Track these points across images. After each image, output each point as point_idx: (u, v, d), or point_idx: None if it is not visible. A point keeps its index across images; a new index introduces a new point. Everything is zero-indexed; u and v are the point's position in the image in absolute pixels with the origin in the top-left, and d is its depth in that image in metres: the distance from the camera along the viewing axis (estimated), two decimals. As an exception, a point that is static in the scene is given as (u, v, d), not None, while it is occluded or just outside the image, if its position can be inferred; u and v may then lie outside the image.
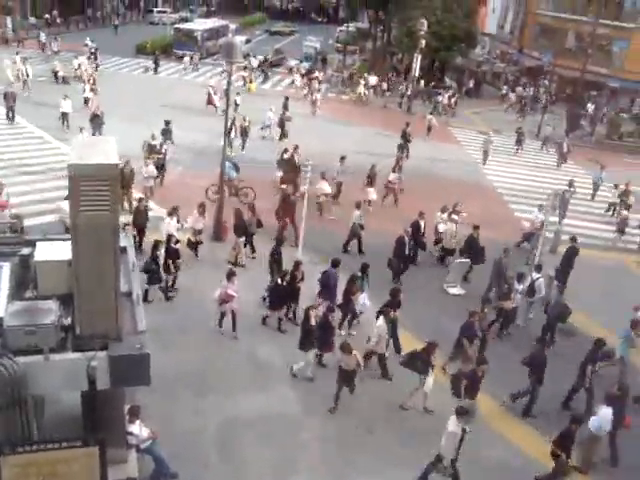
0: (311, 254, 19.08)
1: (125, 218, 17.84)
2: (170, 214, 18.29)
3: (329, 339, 14.09)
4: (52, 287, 8.14)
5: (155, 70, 47.84)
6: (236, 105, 34.25)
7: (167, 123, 27.66)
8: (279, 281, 16.08)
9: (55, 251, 8.34)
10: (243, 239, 19.16)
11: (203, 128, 31.64)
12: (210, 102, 37.44)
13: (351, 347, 12.99)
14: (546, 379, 13.87)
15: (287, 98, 36.63)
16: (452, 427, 11.03)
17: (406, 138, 31.66)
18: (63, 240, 8.49)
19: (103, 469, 7.81)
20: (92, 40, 48.98)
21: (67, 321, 7.86)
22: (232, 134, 28.68)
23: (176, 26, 58.96)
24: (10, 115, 30.77)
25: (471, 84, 52.49)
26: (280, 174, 23.88)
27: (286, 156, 25.47)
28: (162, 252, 16.67)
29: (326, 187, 22.87)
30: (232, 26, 61.66)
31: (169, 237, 17.12)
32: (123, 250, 8.91)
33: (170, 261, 16.84)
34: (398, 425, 13.22)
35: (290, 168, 24.05)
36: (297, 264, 16.36)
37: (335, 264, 16.73)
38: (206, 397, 13.32)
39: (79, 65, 42.21)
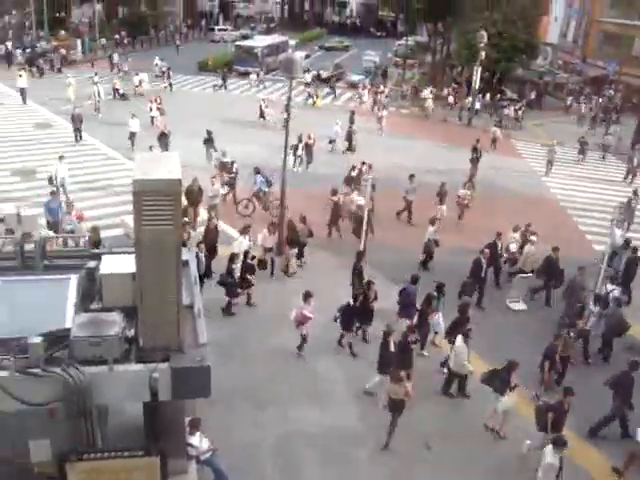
0: (371, 270, 18.95)
1: (189, 234, 18.19)
2: (242, 233, 18.50)
3: (408, 360, 13.71)
4: (116, 299, 8.31)
5: (222, 87, 48.62)
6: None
7: (209, 133, 28.21)
8: (351, 302, 15.98)
9: (120, 264, 8.53)
10: (296, 250, 19.36)
11: (262, 142, 32.00)
12: (262, 115, 37.98)
13: (401, 376, 12.43)
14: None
15: (353, 112, 36.86)
16: (550, 458, 10.68)
17: (477, 154, 31.24)
18: (127, 254, 8.69)
19: (164, 479, 7.93)
20: (162, 59, 50.30)
21: (130, 333, 8.02)
22: (299, 150, 28.85)
23: (237, 43, 59.96)
24: (78, 135, 31.69)
25: (533, 95, 51.49)
26: (346, 190, 23.83)
27: (354, 173, 25.45)
28: (238, 266, 16.87)
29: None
30: (292, 42, 62.38)
31: (246, 253, 17.37)
32: (185, 264, 9.05)
33: (246, 275, 17.04)
34: (457, 443, 12.99)
35: (358, 185, 24.01)
36: (369, 283, 16.14)
37: (414, 281, 16.46)
38: (265, 410, 13.38)
39: (140, 82, 43.61)
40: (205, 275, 16.50)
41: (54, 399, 7.43)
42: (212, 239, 18.77)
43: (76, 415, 7.61)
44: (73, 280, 8.84)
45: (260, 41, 60.18)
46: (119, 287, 8.30)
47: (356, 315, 15.85)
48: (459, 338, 14.05)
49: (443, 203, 23.92)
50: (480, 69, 43.21)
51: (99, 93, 37.48)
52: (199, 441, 10.64)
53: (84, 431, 7.82)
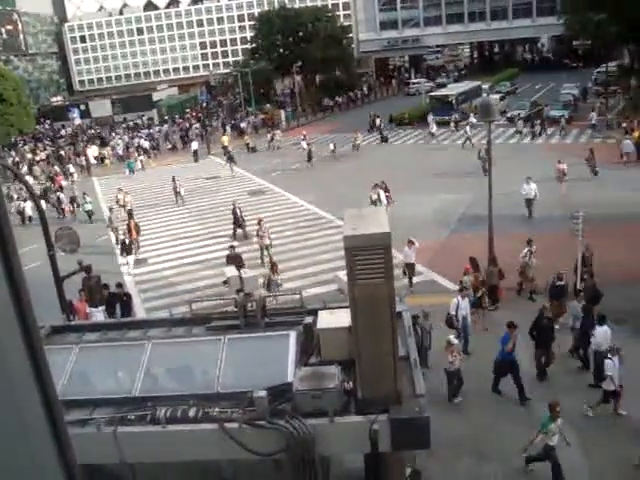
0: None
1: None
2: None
3: None
4: (334, 353, 8.60)
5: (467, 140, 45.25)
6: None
7: None
8: None
9: (335, 319, 8.85)
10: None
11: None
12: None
13: None
14: None
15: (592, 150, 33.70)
16: None
17: None
18: (342, 308, 8.98)
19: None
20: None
21: (349, 385, 8.21)
22: None
23: (431, 94, 60.53)
24: None
25: None
26: None
27: None
28: None
29: None
30: (484, 86, 61.72)
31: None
32: (399, 315, 9.14)
33: None
34: None
35: None
36: None
37: None
38: (489, 463, 12.79)
39: (271, 137, 51.58)
40: None
41: (279, 450, 7.77)
42: None
43: (300, 466, 7.87)
44: (292, 336, 9.29)
45: (453, 89, 60.21)
46: (336, 341, 8.59)
47: None
48: None
49: None
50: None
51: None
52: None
53: (308, 482, 8.05)
